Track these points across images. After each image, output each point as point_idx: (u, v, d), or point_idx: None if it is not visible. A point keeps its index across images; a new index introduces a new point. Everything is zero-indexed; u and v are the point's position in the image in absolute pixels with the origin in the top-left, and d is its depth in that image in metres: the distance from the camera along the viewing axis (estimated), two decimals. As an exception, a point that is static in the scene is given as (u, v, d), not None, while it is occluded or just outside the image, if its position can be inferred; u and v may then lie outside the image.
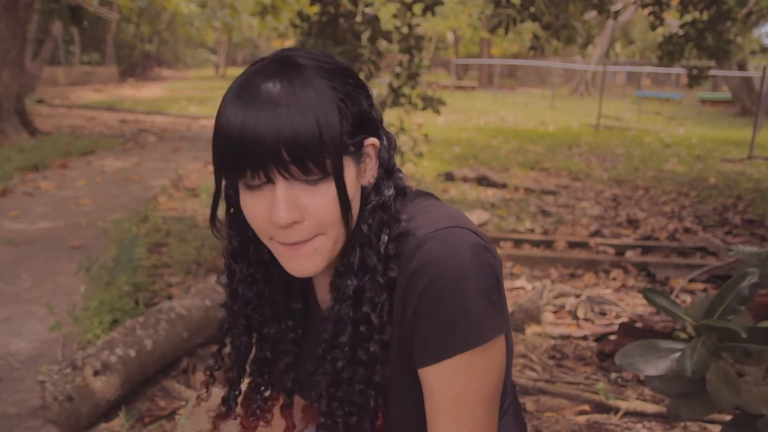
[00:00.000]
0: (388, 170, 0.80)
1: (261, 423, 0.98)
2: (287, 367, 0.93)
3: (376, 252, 0.77)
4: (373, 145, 0.78)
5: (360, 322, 0.78)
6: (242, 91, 0.71)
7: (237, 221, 0.83)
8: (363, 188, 0.79)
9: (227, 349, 0.93)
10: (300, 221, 0.72)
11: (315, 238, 0.74)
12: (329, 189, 0.72)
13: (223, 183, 0.81)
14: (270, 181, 0.71)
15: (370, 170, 0.79)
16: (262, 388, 0.95)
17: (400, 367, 0.80)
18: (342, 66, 0.76)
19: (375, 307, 0.77)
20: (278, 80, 0.70)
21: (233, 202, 0.83)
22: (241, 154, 0.69)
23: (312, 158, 0.69)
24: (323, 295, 0.90)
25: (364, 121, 0.76)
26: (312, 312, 0.93)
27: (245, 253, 0.86)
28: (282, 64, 0.72)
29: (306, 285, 0.94)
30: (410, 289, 0.75)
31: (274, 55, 0.76)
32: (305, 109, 0.68)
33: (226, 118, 0.71)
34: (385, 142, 0.80)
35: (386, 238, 0.77)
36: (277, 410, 0.98)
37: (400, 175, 0.83)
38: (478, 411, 0.77)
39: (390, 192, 0.79)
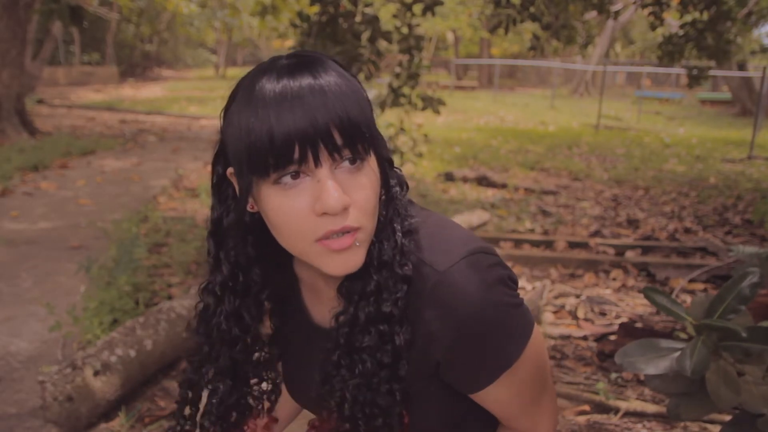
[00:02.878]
0: (390, 163, 0.81)
1: None
2: (272, 390, 0.96)
3: (392, 244, 0.77)
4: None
5: (381, 320, 0.76)
6: (271, 89, 0.68)
7: (231, 245, 0.81)
8: None
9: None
10: (348, 206, 0.70)
11: (357, 232, 0.71)
12: (369, 174, 0.72)
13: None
14: (317, 165, 0.68)
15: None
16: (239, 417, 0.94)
17: (423, 378, 0.81)
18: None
19: (396, 301, 0.76)
20: (311, 70, 0.69)
21: (232, 222, 0.79)
22: (288, 143, 0.67)
23: (362, 139, 0.69)
24: (324, 307, 0.87)
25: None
26: (311, 333, 0.91)
27: (234, 283, 0.82)
28: (301, 59, 0.72)
29: (285, 307, 0.93)
30: (444, 327, 0.74)
31: (281, 56, 0.74)
32: (348, 93, 0.69)
33: (265, 114, 0.67)
34: (384, 142, 0.82)
35: (399, 232, 0.77)
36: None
37: (399, 172, 0.84)
38: (537, 388, 0.83)
39: (396, 186, 0.81)
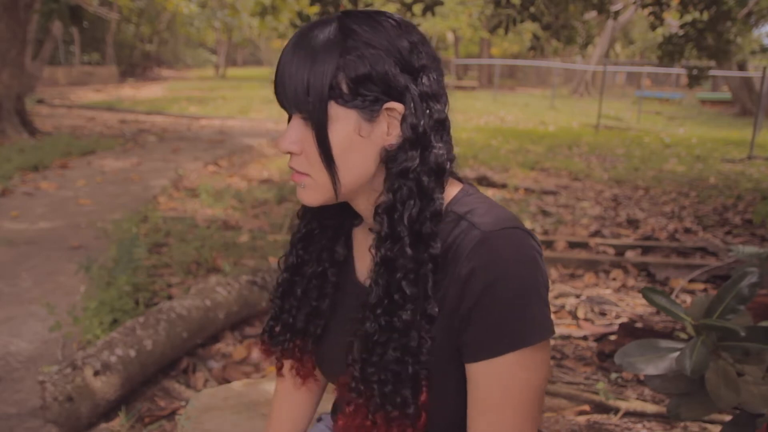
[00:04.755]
0: (413, 141, 0.80)
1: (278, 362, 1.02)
2: (315, 312, 0.96)
3: (399, 222, 0.79)
4: (394, 109, 0.80)
5: (393, 290, 0.80)
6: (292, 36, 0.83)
7: None
8: (387, 152, 0.81)
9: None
10: (297, 154, 0.82)
11: (303, 176, 0.83)
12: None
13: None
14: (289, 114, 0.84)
15: (394, 135, 0.81)
16: (284, 323, 0.98)
17: (446, 353, 0.81)
18: (384, 35, 0.80)
19: (406, 276, 0.79)
20: (308, 32, 0.80)
21: None
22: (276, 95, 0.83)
23: (296, 103, 0.79)
24: (362, 265, 0.92)
25: (379, 83, 0.78)
26: (351, 286, 0.95)
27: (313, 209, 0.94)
28: (327, 20, 0.81)
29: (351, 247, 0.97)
30: (472, 284, 0.76)
31: (341, 13, 0.82)
32: (302, 68, 0.78)
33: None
34: (413, 110, 0.80)
35: (415, 211, 0.79)
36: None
37: (439, 152, 0.81)
38: (519, 412, 0.78)
39: (411, 163, 0.80)
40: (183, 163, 7.21)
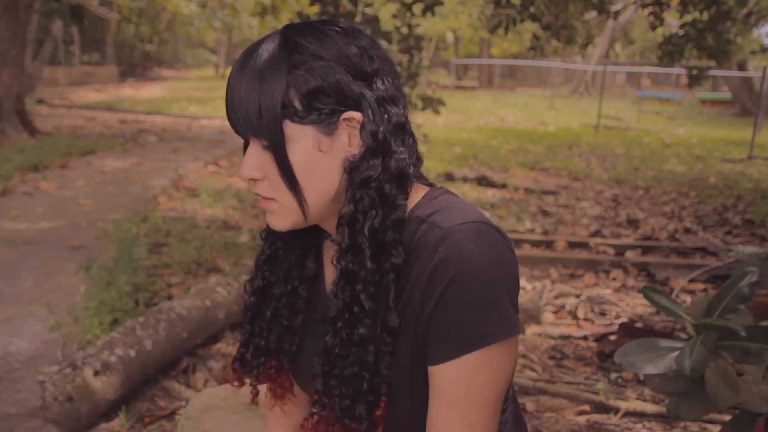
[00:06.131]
0: (374, 149, 0.78)
1: (252, 382, 1.00)
2: (288, 330, 0.94)
3: (360, 233, 0.77)
4: (352, 119, 0.77)
5: (353, 303, 0.78)
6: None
7: None
8: (351, 163, 0.79)
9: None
10: (261, 179, 0.80)
11: (270, 201, 0.81)
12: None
13: None
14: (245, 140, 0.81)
15: (356, 145, 0.79)
16: (256, 346, 0.95)
17: (414, 359, 0.79)
18: (331, 45, 0.77)
19: (365, 288, 0.77)
20: (253, 52, 0.77)
21: None
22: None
23: (250, 128, 0.77)
24: (331, 278, 0.89)
25: (333, 94, 0.76)
26: (321, 300, 0.92)
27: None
28: (271, 36, 0.79)
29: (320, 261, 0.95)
30: (433, 282, 0.74)
31: (284, 27, 0.80)
32: (252, 90, 0.75)
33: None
34: (371, 117, 0.77)
35: (378, 221, 0.77)
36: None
37: (400, 156, 0.79)
38: (483, 411, 0.76)
39: (373, 172, 0.77)
40: (183, 163, 7.21)
